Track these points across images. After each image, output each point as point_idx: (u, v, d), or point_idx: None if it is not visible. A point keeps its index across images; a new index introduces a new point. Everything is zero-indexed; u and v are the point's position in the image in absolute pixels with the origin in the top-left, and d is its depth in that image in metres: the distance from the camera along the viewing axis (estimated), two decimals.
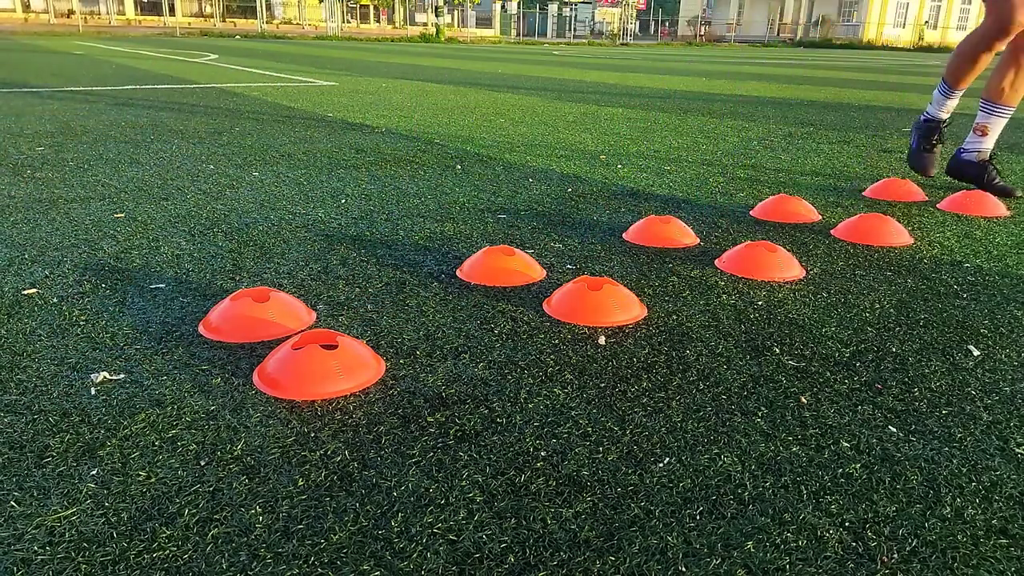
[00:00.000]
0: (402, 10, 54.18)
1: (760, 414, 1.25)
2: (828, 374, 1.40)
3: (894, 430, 1.21)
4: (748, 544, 0.93)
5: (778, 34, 47.52)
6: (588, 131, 4.73)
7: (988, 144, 3.03)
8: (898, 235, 2.34)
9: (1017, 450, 1.16)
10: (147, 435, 1.13)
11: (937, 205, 2.86)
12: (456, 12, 54.38)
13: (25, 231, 2.19)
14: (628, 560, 0.90)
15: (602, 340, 1.53)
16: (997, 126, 2.99)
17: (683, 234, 2.27)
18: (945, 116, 3.13)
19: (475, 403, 1.26)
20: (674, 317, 1.66)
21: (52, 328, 1.51)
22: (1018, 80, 2.83)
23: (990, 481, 1.08)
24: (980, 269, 2.08)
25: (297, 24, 46.12)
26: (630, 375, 1.38)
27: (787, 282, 1.92)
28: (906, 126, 5.39)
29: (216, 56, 13.04)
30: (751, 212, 2.67)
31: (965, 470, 1.10)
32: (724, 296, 1.80)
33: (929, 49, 36.22)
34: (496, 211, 2.60)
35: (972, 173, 3.08)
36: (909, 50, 37.36)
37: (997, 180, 3.03)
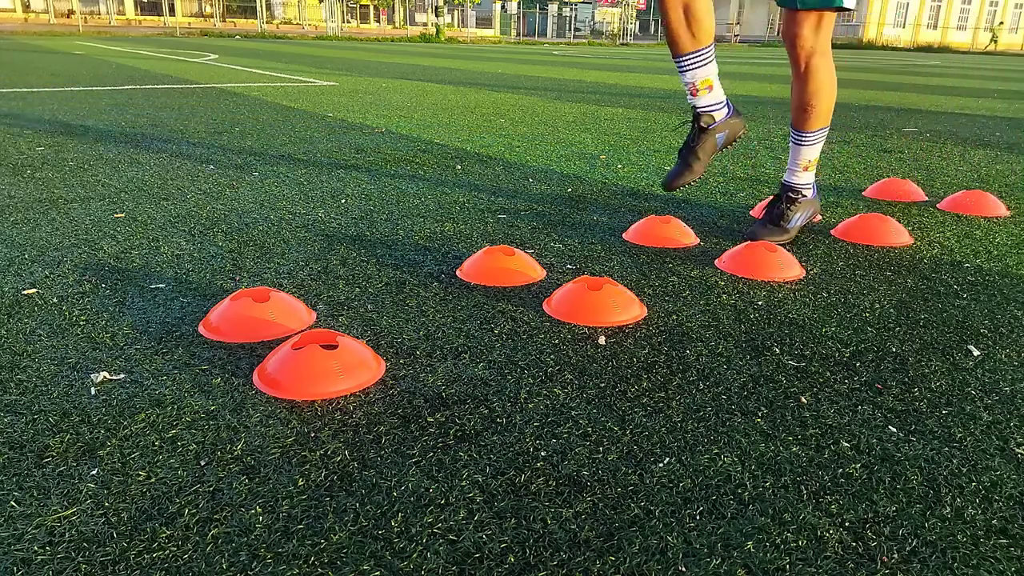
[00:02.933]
0: (402, 10, 54.19)
1: (760, 414, 1.25)
2: (828, 374, 1.40)
3: (894, 430, 1.21)
4: (748, 544, 0.93)
5: (778, 34, 47.48)
6: (588, 131, 4.73)
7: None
8: (898, 235, 2.34)
9: (1017, 450, 1.16)
10: (147, 435, 1.13)
11: (937, 205, 2.86)
12: (456, 12, 54.39)
13: (25, 231, 2.19)
14: (628, 560, 0.90)
15: (602, 340, 1.53)
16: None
17: (683, 234, 2.26)
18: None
19: (475, 403, 1.26)
20: (674, 317, 1.66)
21: (52, 328, 1.51)
22: None
23: (990, 481, 1.08)
24: (980, 269, 2.08)
25: (297, 24, 46.11)
26: (630, 375, 1.38)
27: (787, 282, 1.92)
28: (906, 126, 5.39)
29: (216, 56, 13.04)
30: (751, 212, 2.67)
31: (965, 470, 1.10)
32: (724, 296, 1.80)
33: (1001, 54, 35.82)
34: (496, 211, 2.60)
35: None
36: (909, 50, 37.36)
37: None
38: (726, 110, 2.20)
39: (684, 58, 2.11)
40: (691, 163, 2.19)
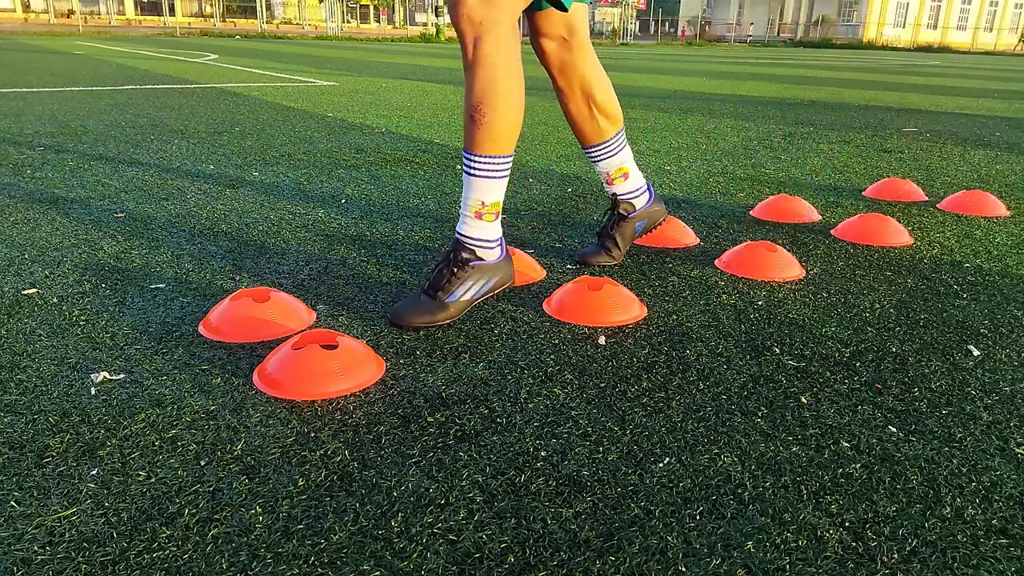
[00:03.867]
0: (402, 10, 54.17)
1: (760, 414, 1.25)
2: (828, 374, 1.40)
3: (894, 430, 1.21)
4: (748, 544, 0.93)
5: (778, 34, 47.56)
6: None
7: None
8: (898, 235, 2.34)
9: (1017, 450, 1.16)
10: (147, 435, 1.13)
11: (937, 205, 2.86)
12: None
13: (25, 231, 2.19)
14: (628, 560, 0.90)
15: (602, 340, 1.53)
16: None
17: (683, 234, 2.26)
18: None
19: (475, 403, 1.26)
20: (674, 317, 1.66)
21: (52, 328, 1.51)
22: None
23: (990, 481, 1.08)
24: (980, 269, 2.08)
25: (297, 24, 46.12)
26: (630, 375, 1.38)
27: (787, 282, 1.92)
28: (906, 126, 5.39)
29: (216, 56, 13.04)
30: (751, 212, 2.67)
31: (965, 470, 1.10)
32: (724, 296, 1.80)
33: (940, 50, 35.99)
34: None
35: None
36: (909, 50, 37.37)
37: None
38: (647, 196, 2.05)
39: (592, 149, 1.96)
40: (609, 248, 2.04)
